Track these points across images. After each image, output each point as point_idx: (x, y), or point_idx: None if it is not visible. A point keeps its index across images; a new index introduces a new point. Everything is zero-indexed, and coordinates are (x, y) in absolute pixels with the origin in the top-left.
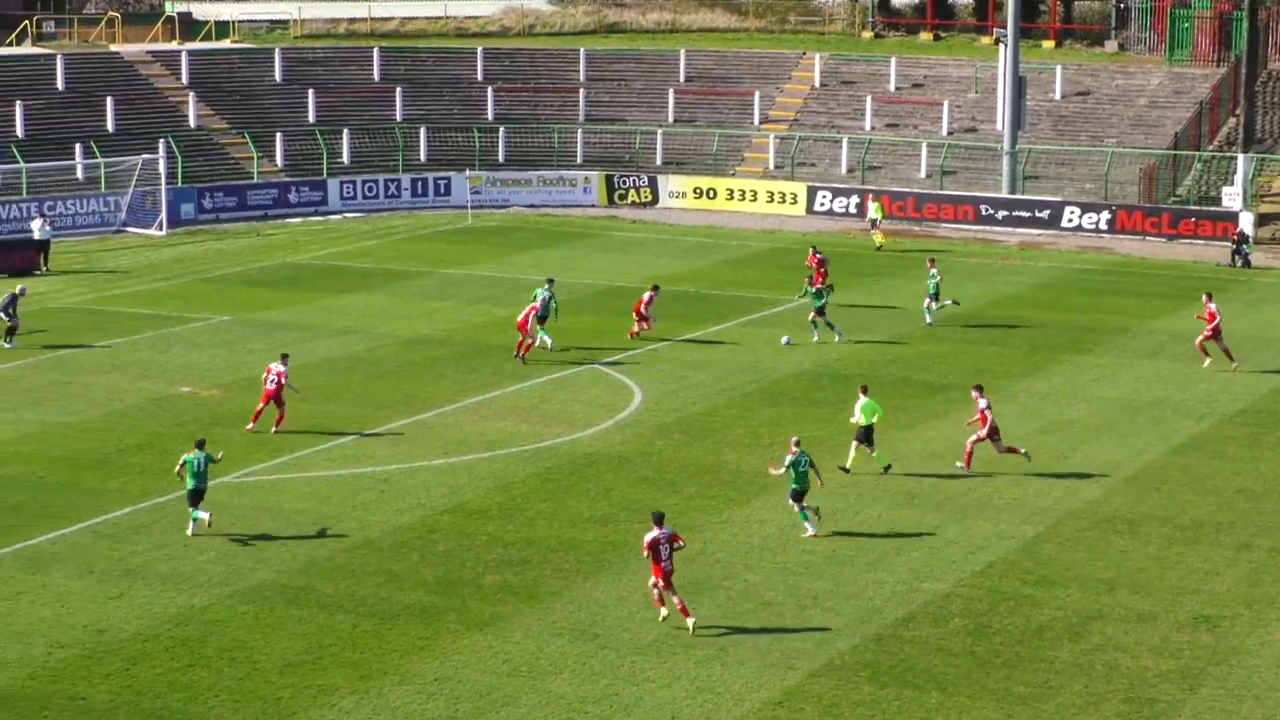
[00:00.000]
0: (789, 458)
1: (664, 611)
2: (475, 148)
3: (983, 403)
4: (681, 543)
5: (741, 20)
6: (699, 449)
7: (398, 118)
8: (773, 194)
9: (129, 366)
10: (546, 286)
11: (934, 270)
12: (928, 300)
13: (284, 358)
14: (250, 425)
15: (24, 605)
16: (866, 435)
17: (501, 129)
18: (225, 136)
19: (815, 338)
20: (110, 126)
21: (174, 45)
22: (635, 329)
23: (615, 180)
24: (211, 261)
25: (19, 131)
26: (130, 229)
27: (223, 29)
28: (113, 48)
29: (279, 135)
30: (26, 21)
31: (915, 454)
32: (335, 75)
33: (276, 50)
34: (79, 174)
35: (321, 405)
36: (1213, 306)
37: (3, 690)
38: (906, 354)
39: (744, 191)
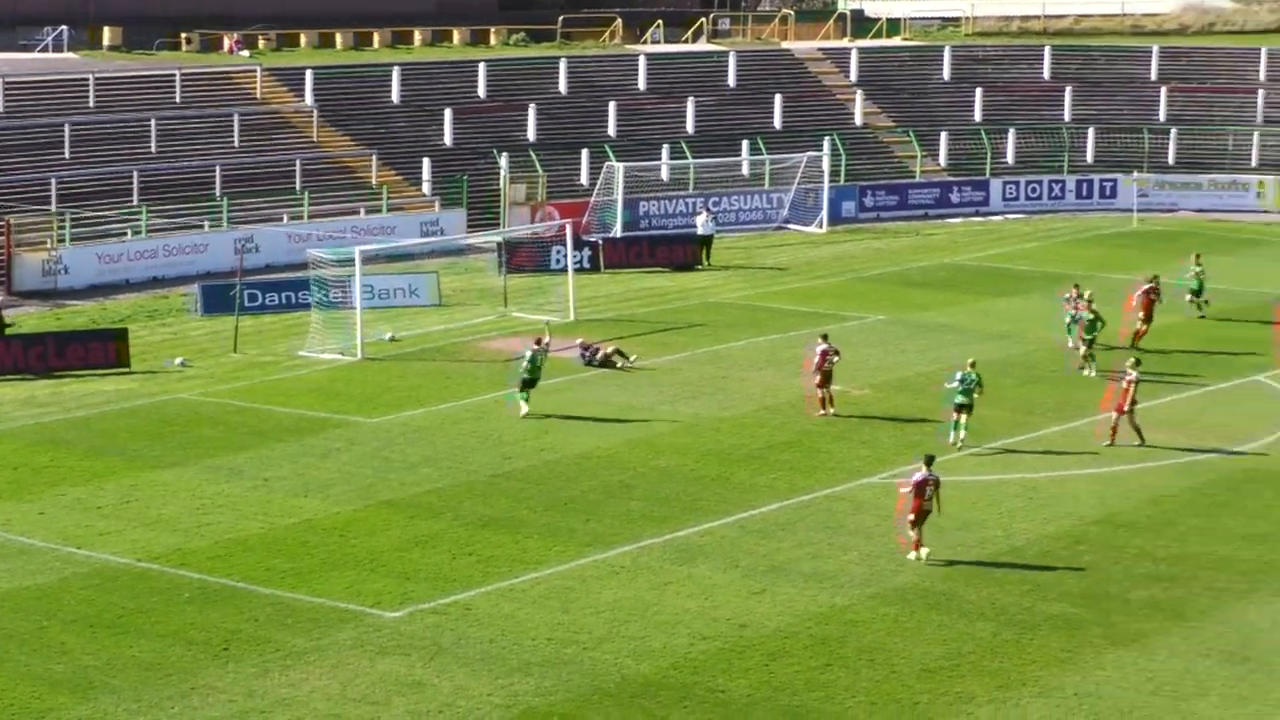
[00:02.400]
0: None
1: (914, 555)
2: (1144, 149)
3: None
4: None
5: None
6: None
7: (1066, 118)
8: None
9: (784, 363)
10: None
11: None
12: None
13: (824, 336)
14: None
15: (670, 596)
16: None
17: (1173, 130)
18: (889, 135)
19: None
20: (777, 123)
21: (844, 43)
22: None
23: None
24: (870, 260)
25: (689, 128)
26: (791, 226)
27: (893, 26)
28: (784, 45)
29: (943, 134)
30: (703, 19)
31: None
32: (1004, 74)
33: (946, 48)
34: (744, 170)
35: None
36: None
37: (646, 678)
38: None
39: None
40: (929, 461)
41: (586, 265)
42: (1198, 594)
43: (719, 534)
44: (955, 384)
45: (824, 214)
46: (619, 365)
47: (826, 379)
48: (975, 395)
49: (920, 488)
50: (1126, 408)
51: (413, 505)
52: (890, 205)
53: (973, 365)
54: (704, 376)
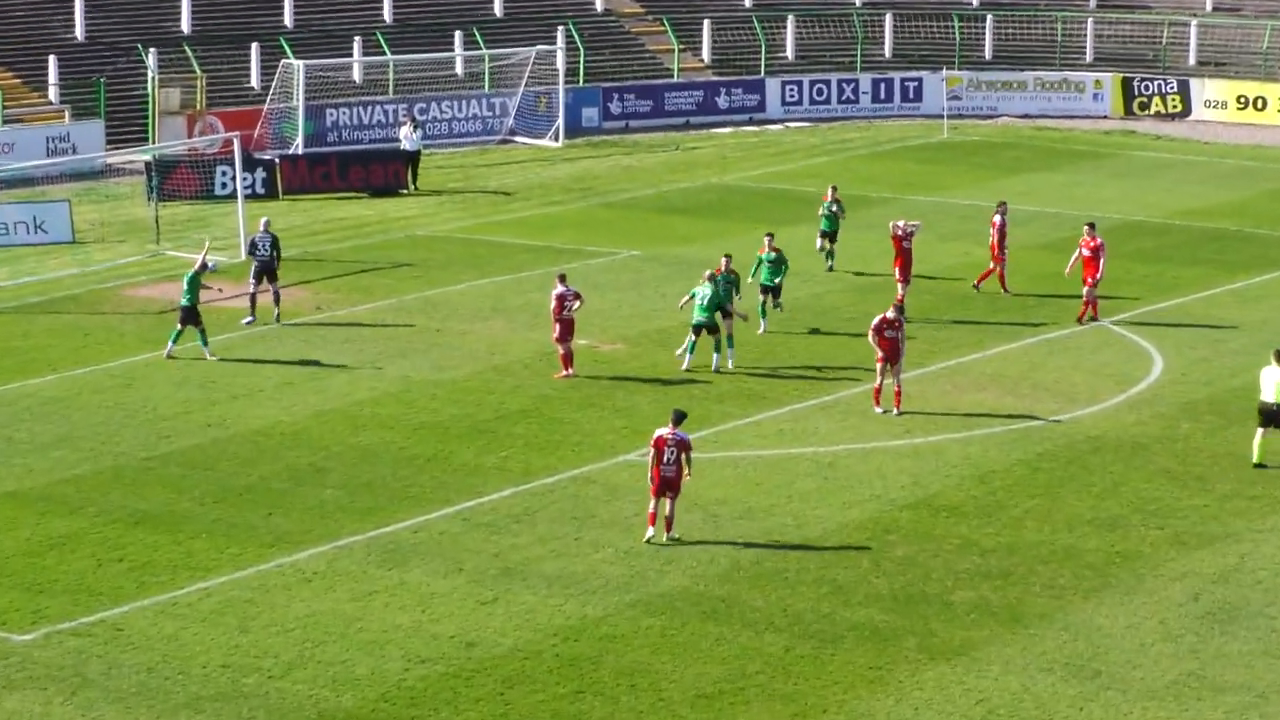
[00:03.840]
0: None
1: (651, 532)
2: (955, 41)
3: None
4: (691, 454)
5: None
6: (1238, 435)
7: (857, 2)
8: None
9: (515, 312)
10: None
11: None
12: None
13: (561, 277)
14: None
15: (378, 608)
16: (1275, 417)
17: (989, 17)
18: (639, 24)
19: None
20: (498, 11)
21: None
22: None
23: (1134, 85)
24: (619, 181)
25: (386, 16)
26: (518, 138)
27: None
28: None
29: (706, 23)
30: None
31: None
32: None
33: None
34: (458, 69)
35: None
36: None
37: (350, 713)
38: None
39: None
40: (677, 420)
41: (261, 190)
42: (1036, 593)
43: (438, 529)
44: (688, 300)
45: (560, 123)
46: (282, 323)
47: (567, 330)
48: (734, 300)
49: (658, 450)
50: (896, 365)
51: (44, 498)
52: (643, 112)
53: (710, 278)
54: (414, 330)
